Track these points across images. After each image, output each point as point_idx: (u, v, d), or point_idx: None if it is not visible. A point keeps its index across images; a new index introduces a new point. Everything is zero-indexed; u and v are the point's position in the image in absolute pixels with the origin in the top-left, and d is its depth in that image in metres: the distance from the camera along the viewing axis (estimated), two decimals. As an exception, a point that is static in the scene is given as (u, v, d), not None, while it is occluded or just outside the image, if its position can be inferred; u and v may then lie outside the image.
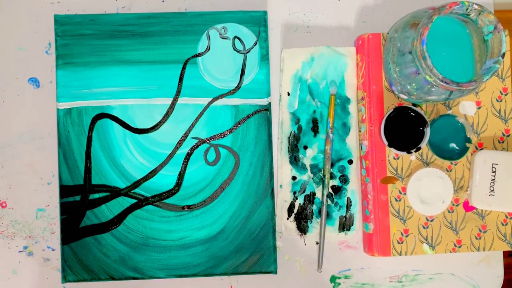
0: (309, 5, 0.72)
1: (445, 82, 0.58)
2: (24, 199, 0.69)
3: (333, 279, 0.71)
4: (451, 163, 0.68)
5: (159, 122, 0.69)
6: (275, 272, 0.69)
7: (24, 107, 0.70)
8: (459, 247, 0.68)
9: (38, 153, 0.70)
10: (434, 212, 0.67)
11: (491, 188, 0.66)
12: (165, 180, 0.69)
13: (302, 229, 0.70)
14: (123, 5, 0.70)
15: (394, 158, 0.68)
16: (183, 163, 0.69)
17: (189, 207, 0.68)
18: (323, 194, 0.69)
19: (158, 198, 0.68)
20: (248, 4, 0.71)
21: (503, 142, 0.68)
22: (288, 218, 0.70)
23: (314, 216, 0.70)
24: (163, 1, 0.71)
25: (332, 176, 0.70)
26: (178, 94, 0.69)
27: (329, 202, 0.70)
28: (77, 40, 0.68)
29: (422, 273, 0.72)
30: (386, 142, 0.66)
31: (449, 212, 0.68)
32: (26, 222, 0.69)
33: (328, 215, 0.70)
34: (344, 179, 0.70)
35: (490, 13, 0.60)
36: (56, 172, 0.69)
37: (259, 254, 0.68)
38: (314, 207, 0.70)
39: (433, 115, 0.68)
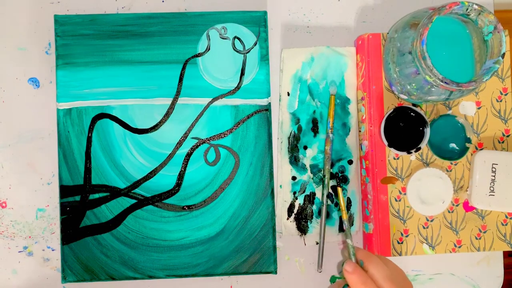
0: (309, 5, 0.72)
1: (445, 82, 0.58)
2: (24, 199, 0.70)
3: (333, 279, 0.71)
4: (451, 163, 0.68)
5: (159, 122, 0.69)
6: (275, 272, 0.69)
7: (24, 107, 0.70)
8: (459, 247, 0.68)
9: (38, 153, 0.70)
10: (434, 212, 0.67)
11: (491, 188, 0.66)
12: (165, 180, 0.69)
13: (302, 229, 0.70)
14: (123, 5, 0.71)
15: (394, 158, 0.68)
16: (183, 163, 0.69)
17: (189, 207, 0.68)
18: (323, 194, 0.69)
19: (158, 198, 0.68)
20: (248, 4, 0.71)
21: (503, 142, 0.68)
22: (288, 218, 0.70)
23: (314, 216, 0.70)
24: (163, 1, 0.71)
25: (332, 176, 0.70)
26: (178, 94, 0.69)
27: (329, 202, 0.70)
28: (77, 40, 0.68)
29: (422, 273, 0.72)
30: (386, 142, 0.66)
31: (449, 212, 0.68)
32: (26, 222, 0.69)
33: (328, 215, 0.70)
34: (344, 179, 0.70)
35: (490, 13, 0.60)
36: (56, 172, 0.69)
37: (259, 254, 0.68)
38: (314, 207, 0.70)
39: (433, 115, 0.68)
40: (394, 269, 0.64)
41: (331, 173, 0.70)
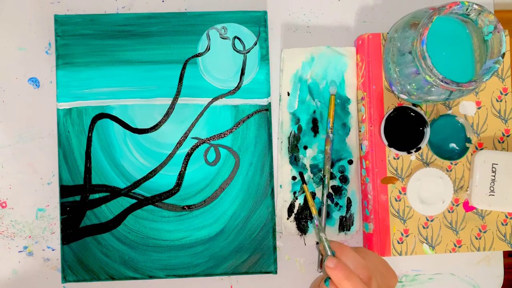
0: (309, 5, 0.72)
1: (445, 82, 0.59)
2: (24, 199, 0.69)
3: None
4: (451, 163, 0.68)
5: (159, 122, 0.69)
6: (275, 272, 0.69)
7: (24, 107, 0.70)
8: (459, 247, 0.68)
9: (38, 153, 0.70)
10: (434, 212, 0.67)
11: (491, 188, 0.66)
12: (165, 180, 0.69)
13: (302, 229, 0.70)
14: (123, 5, 0.71)
15: (394, 158, 0.68)
16: (183, 163, 0.69)
17: (189, 207, 0.68)
18: (323, 194, 0.69)
19: (158, 198, 0.68)
20: (248, 4, 0.71)
21: (503, 142, 0.68)
22: (288, 218, 0.70)
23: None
24: (163, 1, 0.71)
25: (332, 176, 0.70)
26: (178, 94, 0.69)
27: (329, 202, 0.70)
28: (77, 40, 0.68)
29: (422, 273, 0.72)
30: (386, 142, 0.66)
31: (449, 212, 0.68)
32: (26, 222, 0.69)
33: (328, 215, 0.70)
34: (344, 179, 0.70)
35: (490, 13, 0.60)
36: (56, 172, 0.69)
37: (259, 254, 0.68)
38: (314, 207, 0.70)
39: (433, 115, 0.68)
40: (375, 259, 0.65)
41: (331, 173, 0.70)
